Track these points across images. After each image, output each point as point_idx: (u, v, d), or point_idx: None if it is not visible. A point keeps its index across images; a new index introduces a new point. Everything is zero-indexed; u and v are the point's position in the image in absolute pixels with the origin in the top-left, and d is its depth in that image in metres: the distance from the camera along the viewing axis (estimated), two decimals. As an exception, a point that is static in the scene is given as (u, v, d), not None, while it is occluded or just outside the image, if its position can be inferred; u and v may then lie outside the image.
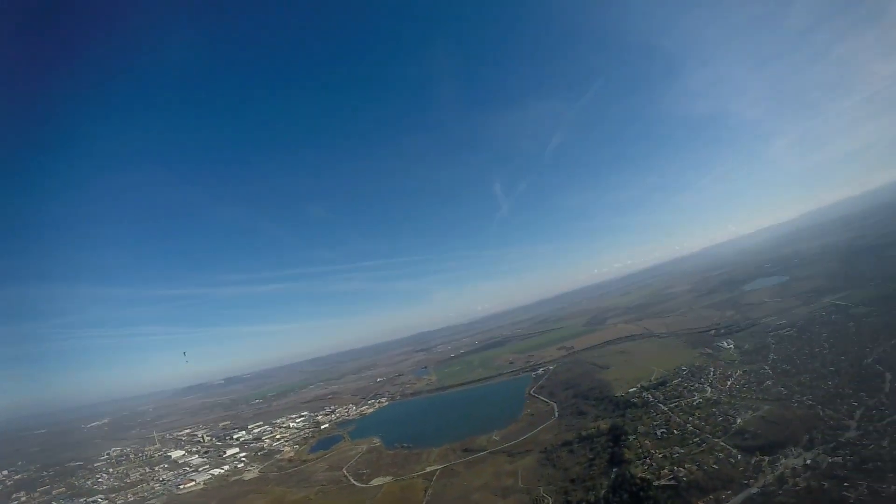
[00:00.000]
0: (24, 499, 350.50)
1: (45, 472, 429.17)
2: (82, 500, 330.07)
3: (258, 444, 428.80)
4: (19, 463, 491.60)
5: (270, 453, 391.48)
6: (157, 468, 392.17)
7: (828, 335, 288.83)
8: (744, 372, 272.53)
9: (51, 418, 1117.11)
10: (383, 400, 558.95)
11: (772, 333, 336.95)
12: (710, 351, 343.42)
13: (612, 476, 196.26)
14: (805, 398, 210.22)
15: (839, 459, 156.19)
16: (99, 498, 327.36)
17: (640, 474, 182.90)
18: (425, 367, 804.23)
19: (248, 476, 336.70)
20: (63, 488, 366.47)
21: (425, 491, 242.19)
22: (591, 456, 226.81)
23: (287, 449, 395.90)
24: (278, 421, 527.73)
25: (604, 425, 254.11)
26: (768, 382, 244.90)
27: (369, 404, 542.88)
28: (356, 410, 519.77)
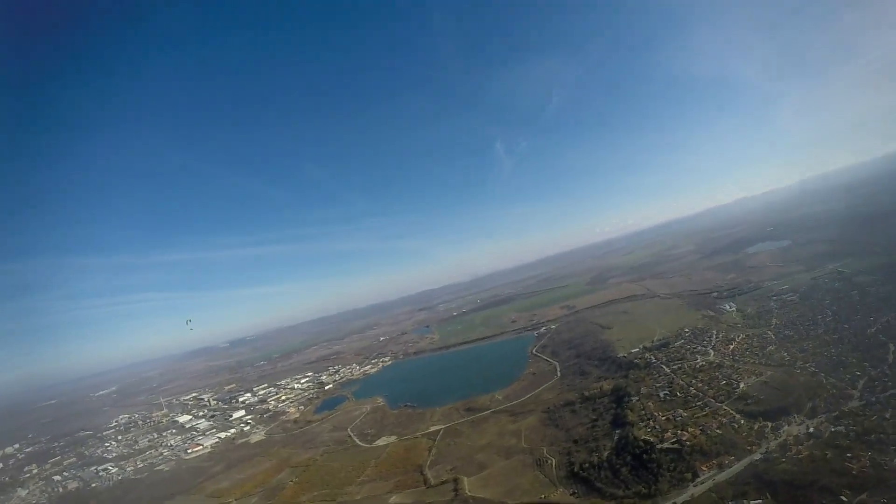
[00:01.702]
0: (35, 471, 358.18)
1: (55, 443, 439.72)
2: (93, 468, 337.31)
3: (263, 407, 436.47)
4: (30, 435, 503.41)
5: (276, 415, 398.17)
6: (164, 434, 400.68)
7: (831, 302, 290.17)
8: (746, 336, 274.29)
9: (60, 389, 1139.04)
10: (386, 359, 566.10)
11: (774, 298, 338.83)
12: (712, 313, 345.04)
13: (615, 437, 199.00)
14: (808, 365, 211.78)
15: (842, 429, 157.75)
16: (109, 466, 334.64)
17: (643, 436, 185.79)
18: (428, 326, 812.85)
19: (255, 438, 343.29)
20: (74, 458, 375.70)
21: (429, 450, 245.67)
22: (593, 417, 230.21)
23: (292, 410, 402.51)
24: (283, 382, 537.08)
25: (606, 386, 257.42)
26: (771, 347, 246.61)
27: (373, 364, 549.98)
28: (360, 370, 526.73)
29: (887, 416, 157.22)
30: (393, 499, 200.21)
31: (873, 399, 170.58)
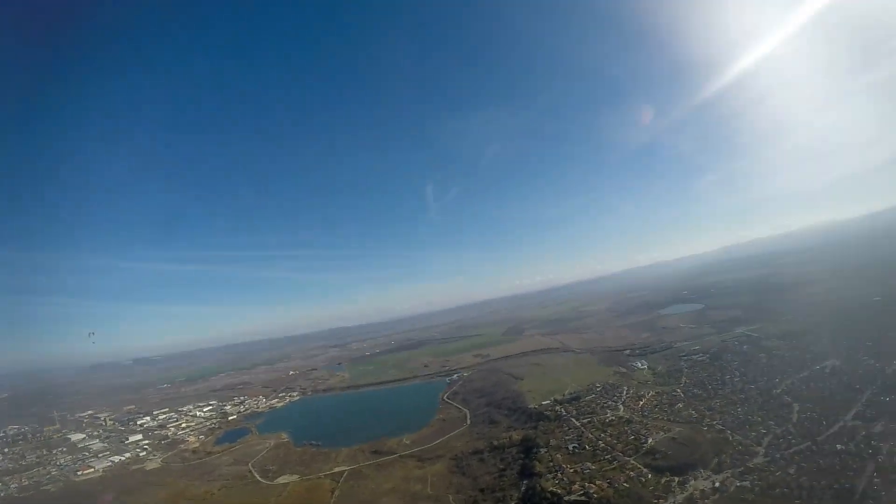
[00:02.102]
0: None
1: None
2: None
3: (162, 432, 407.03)
4: None
5: (174, 442, 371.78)
6: (54, 451, 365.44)
7: (739, 364, 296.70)
8: (656, 393, 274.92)
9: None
10: (294, 394, 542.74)
11: (685, 358, 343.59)
12: (624, 370, 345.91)
13: (523, 488, 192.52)
14: (715, 423, 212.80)
15: (747, 484, 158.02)
16: None
17: (550, 488, 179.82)
18: (339, 364, 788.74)
19: (150, 466, 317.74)
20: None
21: (332, 492, 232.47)
22: (501, 466, 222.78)
23: (192, 439, 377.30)
24: (185, 409, 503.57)
25: (516, 436, 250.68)
26: (680, 405, 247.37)
27: (280, 398, 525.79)
28: (266, 403, 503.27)
29: (791, 471, 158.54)
30: None
31: (778, 455, 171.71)
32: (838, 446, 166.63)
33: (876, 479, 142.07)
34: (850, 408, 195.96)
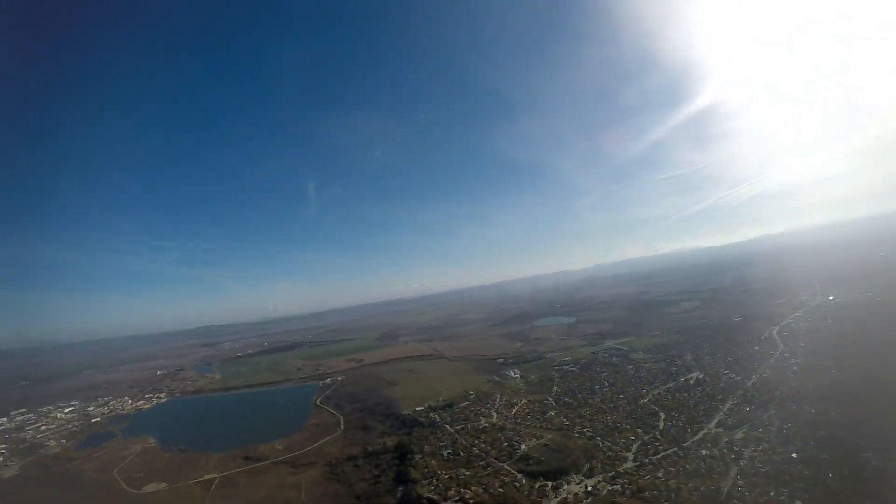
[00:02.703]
0: None
1: None
2: None
3: (20, 436, 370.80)
4: None
5: (34, 447, 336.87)
6: None
7: (608, 375, 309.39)
8: (529, 401, 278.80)
9: None
10: (162, 396, 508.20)
11: (556, 368, 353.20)
12: (497, 378, 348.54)
13: (399, 495, 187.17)
14: (586, 430, 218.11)
15: (618, 487, 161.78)
16: None
17: (426, 494, 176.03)
18: (209, 364, 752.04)
19: (7, 474, 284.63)
20: None
21: (203, 501, 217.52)
22: (376, 473, 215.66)
23: (53, 443, 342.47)
24: (45, 409, 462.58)
25: (390, 442, 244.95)
26: (551, 413, 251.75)
27: (146, 399, 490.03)
28: (132, 404, 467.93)
29: (660, 475, 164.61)
30: None
31: (646, 461, 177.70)
32: (703, 451, 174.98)
33: (739, 482, 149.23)
34: (712, 416, 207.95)
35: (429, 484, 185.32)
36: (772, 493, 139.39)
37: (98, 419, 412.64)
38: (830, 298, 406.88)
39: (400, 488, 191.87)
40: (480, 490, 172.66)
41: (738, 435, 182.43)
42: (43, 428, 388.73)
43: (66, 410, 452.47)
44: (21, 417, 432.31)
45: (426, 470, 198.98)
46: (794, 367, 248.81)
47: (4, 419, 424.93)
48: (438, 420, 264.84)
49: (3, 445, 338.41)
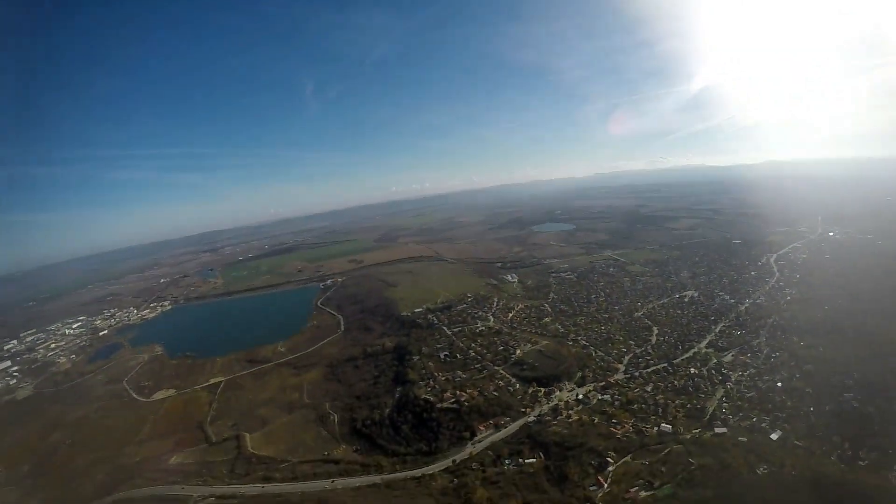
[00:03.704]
0: None
1: None
2: None
3: (32, 356, 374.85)
4: None
5: (45, 365, 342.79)
6: None
7: (604, 285, 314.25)
8: (525, 306, 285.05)
9: None
10: (166, 303, 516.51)
11: (554, 274, 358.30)
12: (495, 282, 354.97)
13: (397, 395, 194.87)
14: (580, 338, 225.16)
15: (608, 398, 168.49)
16: None
17: (423, 395, 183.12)
18: (212, 269, 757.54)
19: (22, 394, 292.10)
20: None
21: (210, 405, 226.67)
22: (375, 373, 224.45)
23: (63, 360, 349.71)
24: (53, 327, 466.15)
25: (389, 343, 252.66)
26: (547, 319, 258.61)
27: (151, 308, 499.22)
28: (137, 314, 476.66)
29: (648, 388, 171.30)
30: (174, 459, 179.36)
31: (637, 374, 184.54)
32: (692, 370, 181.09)
33: (724, 404, 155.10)
34: (704, 336, 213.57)
35: (426, 385, 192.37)
36: (754, 419, 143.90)
37: (105, 332, 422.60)
38: (830, 234, 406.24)
39: (398, 389, 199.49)
40: (476, 393, 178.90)
41: (727, 358, 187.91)
42: (53, 346, 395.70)
43: (74, 326, 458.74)
44: (31, 338, 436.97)
45: (423, 371, 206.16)
46: (788, 298, 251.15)
47: (15, 341, 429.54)
48: (436, 322, 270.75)
49: (16, 367, 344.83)
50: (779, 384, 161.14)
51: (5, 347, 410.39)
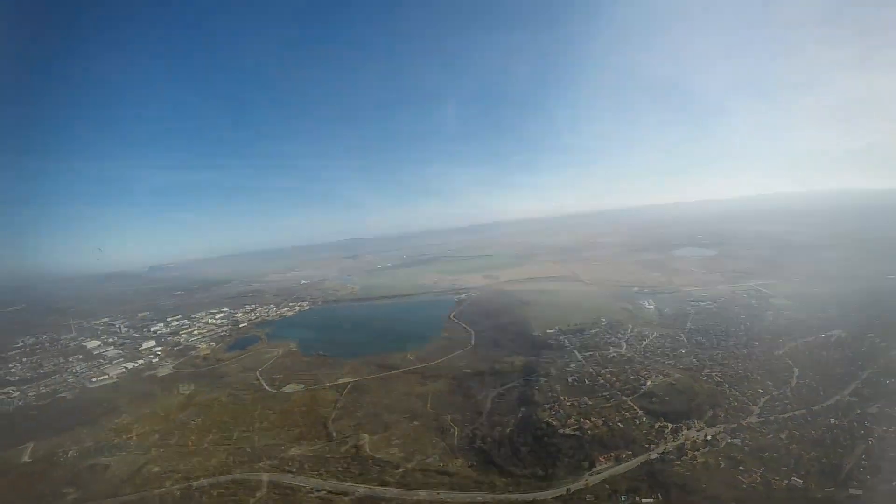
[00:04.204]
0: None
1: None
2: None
3: (175, 339, 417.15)
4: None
5: (186, 349, 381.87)
6: (71, 359, 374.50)
7: (745, 317, 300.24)
8: (660, 335, 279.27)
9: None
10: (304, 304, 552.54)
11: (692, 303, 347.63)
12: (630, 307, 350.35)
13: (519, 415, 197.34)
14: (714, 374, 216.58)
15: (738, 442, 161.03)
16: (10, 389, 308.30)
17: (546, 419, 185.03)
18: (350, 276, 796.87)
19: (162, 372, 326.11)
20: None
21: (335, 403, 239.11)
22: (501, 391, 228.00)
23: (203, 346, 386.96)
24: (197, 316, 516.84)
25: (518, 362, 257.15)
26: (682, 350, 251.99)
27: (290, 307, 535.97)
28: (276, 311, 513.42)
29: (783, 436, 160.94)
30: (293, 450, 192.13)
31: (772, 418, 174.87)
32: (832, 420, 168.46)
33: (863, 462, 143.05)
34: (849, 383, 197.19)
35: (550, 409, 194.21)
36: (894, 484, 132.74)
37: (245, 324, 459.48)
38: None
39: (522, 409, 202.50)
40: (600, 422, 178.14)
41: (872, 409, 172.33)
42: (195, 332, 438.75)
43: (217, 316, 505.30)
44: (176, 323, 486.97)
45: (550, 394, 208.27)
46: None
47: (161, 324, 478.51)
48: (568, 344, 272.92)
49: (160, 348, 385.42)
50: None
51: (152, 329, 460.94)
